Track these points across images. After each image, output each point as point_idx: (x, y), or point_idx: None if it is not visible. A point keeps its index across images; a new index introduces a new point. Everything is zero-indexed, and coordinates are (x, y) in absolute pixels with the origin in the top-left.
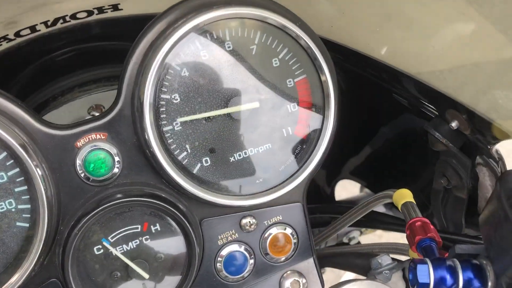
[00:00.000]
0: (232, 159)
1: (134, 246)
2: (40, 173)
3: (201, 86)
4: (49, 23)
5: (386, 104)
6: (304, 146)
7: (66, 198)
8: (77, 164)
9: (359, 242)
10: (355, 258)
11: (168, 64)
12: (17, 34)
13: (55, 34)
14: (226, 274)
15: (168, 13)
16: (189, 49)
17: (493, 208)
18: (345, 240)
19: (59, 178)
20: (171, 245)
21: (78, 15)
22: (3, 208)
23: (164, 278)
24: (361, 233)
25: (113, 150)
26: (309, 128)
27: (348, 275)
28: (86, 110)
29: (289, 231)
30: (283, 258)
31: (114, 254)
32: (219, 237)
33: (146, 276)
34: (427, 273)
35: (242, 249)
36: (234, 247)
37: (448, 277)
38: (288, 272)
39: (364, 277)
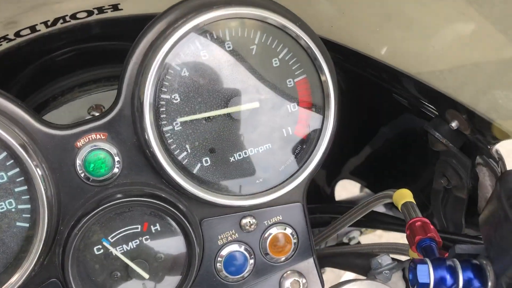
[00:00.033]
0: (232, 159)
1: (134, 246)
2: (40, 173)
3: (201, 86)
4: (49, 23)
5: (386, 104)
6: (304, 146)
7: (66, 198)
8: (77, 164)
9: (359, 242)
10: (355, 258)
11: (168, 64)
12: (17, 34)
13: (55, 34)
14: (226, 274)
15: (168, 13)
16: (189, 49)
17: (493, 208)
18: (345, 240)
19: (59, 178)
20: (171, 245)
21: (78, 15)
22: (3, 208)
23: (164, 278)
24: (361, 233)
25: (113, 150)
26: (309, 128)
27: (348, 275)
28: (86, 110)
29: (289, 231)
30: (283, 258)
31: (114, 254)
32: (219, 237)
33: (146, 276)
34: (427, 273)
35: (242, 249)
36: (234, 247)
37: (448, 277)
38: (288, 272)
39: (364, 277)
